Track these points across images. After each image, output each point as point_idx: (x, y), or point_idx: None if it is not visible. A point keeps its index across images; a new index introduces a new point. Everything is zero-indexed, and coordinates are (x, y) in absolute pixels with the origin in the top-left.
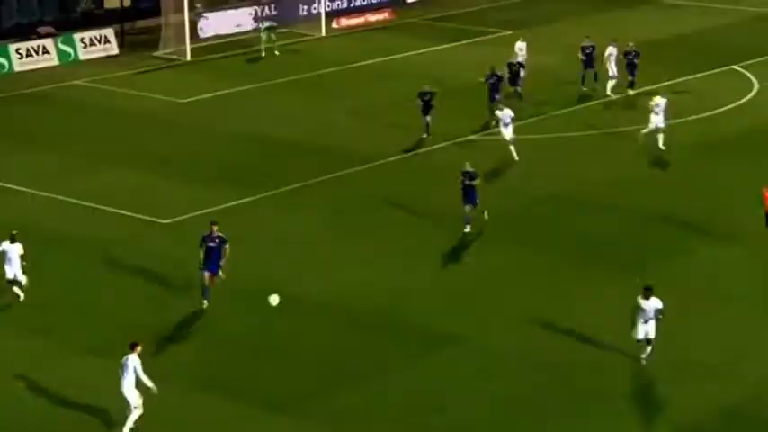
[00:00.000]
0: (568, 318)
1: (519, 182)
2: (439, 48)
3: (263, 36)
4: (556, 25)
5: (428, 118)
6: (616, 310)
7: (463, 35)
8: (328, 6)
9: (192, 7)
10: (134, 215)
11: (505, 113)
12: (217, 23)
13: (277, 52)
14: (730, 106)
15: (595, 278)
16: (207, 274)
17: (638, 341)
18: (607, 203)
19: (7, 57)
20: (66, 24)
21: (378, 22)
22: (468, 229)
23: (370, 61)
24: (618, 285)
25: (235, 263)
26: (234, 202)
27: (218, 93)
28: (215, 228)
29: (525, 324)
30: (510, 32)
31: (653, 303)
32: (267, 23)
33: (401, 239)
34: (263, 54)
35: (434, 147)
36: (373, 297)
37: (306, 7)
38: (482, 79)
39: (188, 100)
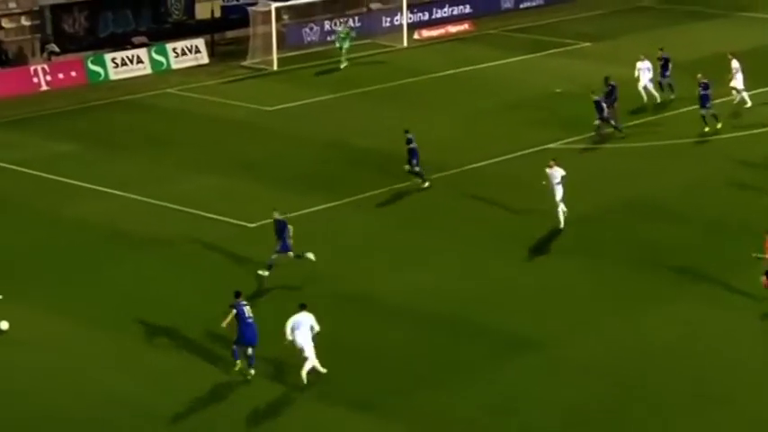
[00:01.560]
0: (639, 327)
1: (597, 188)
2: (518, 59)
3: (341, 45)
4: (633, 37)
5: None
6: (686, 322)
7: (541, 46)
8: (410, 18)
9: (279, 18)
10: (223, 218)
11: (555, 171)
12: (303, 34)
13: (345, 63)
14: None
15: (667, 288)
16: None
17: None
18: (684, 212)
19: (103, 65)
20: (158, 35)
21: (458, 33)
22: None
23: (451, 71)
24: (688, 296)
25: (315, 265)
26: (318, 207)
27: (304, 101)
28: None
29: (596, 332)
30: (588, 44)
31: None
32: (342, 29)
33: (476, 245)
34: (344, 61)
35: (512, 155)
36: (449, 301)
37: (388, 19)
38: (597, 95)
39: (274, 108)
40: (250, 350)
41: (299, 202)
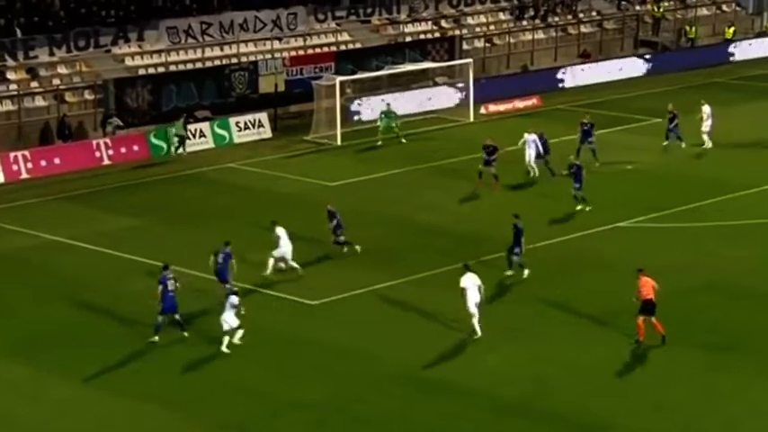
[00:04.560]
0: (717, 414)
1: (674, 268)
2: None
3: (381, 123)
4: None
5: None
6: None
7: (611, 122)
8: (477, 93)
9: (342, 92)
10: (283, 296)
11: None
12: (367, 108)
13: (403, 140)
14: None
15: (744, 374)
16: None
17: None
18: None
19: (166, 140)
20: (222, 108)
21: (526, 108)
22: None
23: (517, 147)
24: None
25: (375, 346)
26: (383, 284)
27: (367, 176)
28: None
29: (672, 419)
30: (659, 120)
31: None
32: (385, 109)
33: (542, 326)
34: (380, 143)
35: (582, 233)
36: (517, 383)
37: (454, 93)
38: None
39: (337, 183)
40: (177, 316)
41: (364, 278)
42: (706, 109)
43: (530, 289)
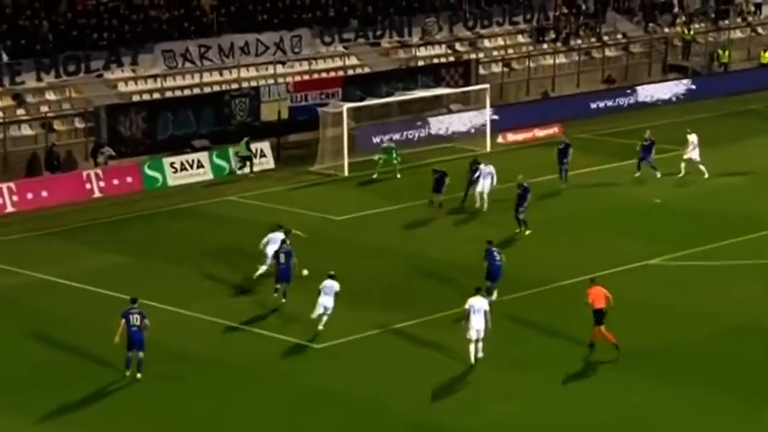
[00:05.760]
0: None
1: (705, 309)
2: (612, 165)
3: (380, 158)
4: (741, 144)
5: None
6: None
7: (632, 152)
8: (494, 120)
9: (351, 120)
10: (281, 337)
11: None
12: (375, 138)
13: (399, 175)
14: None
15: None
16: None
17: None
18: None
19: (161, 171)
20: (221, 137)
21: (546, 137)
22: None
23: (537, 179)
24: None
25: (383, 394)
26: (396, 325)
27: (376, 210)
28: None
29: None
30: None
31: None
32: (386, 144)
33: (570, 367)
34: (375, 176)
35: (607, 272)
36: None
37: (470, 121)
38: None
39: (344, 217)
40: (140, 354)
41: (372, 319)
42: (693, 138)
43: (555, 325)
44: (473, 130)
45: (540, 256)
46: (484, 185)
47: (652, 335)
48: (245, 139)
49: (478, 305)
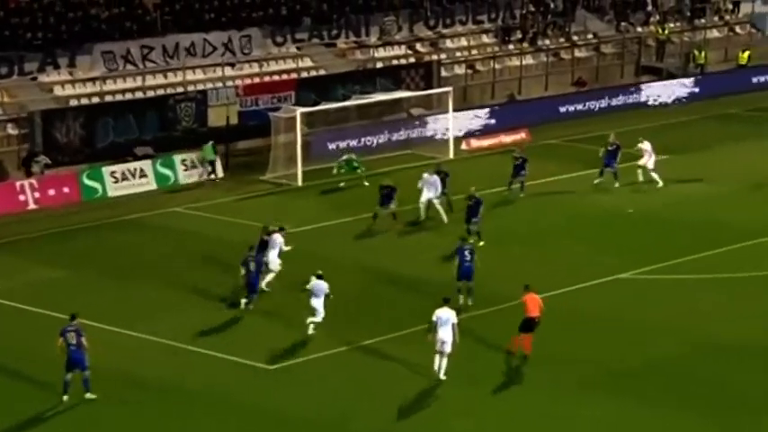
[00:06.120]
0: None
1: (680, 327)
2: (582, 173)
3: (339, 170)
4: (720, 150)
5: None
6: None
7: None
8: (457, 125)
9: (305, 126)
10: (230, 358)
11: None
12: (331, 144)
13: (366, 182)
14: None
15: None
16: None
17: None
18: None
19: (101, 180)
20: (165, 144)
21: (513, 143)
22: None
23: (503, 188)
24: None
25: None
26: (360, 343)
27: (333, 221)
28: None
29: None
30: (666, 157)
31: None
32: (346, 156)
33: (540, 387)
34: (342, 185)
35: (576, 287)
36: None
37: (432, 126)
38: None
39: (300, 229)
40: (85, 374)
41: (330, 337)
42: (645, 146)
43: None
44: (435, 136)
45: (505, 270)
46: (428, 196)
47: (623, 351)
48: (211, 142)
49: (445, 316)
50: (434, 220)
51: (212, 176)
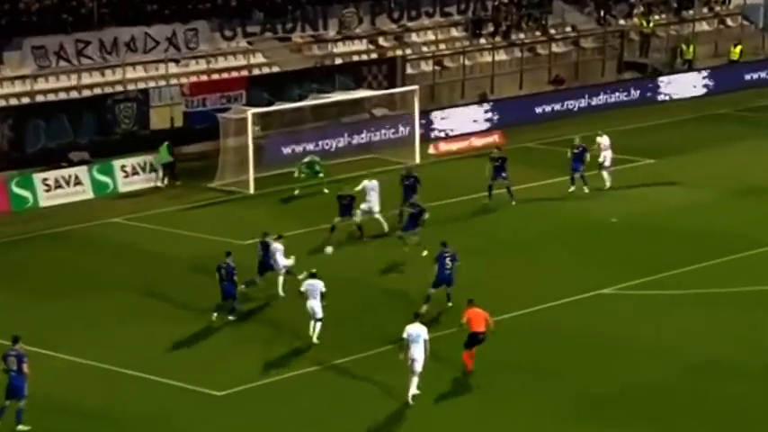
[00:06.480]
0: None
1: (669, 346)
2: (560, 179)
3: (300, 173)
4: (708, 153)
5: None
6: None
7: (592, 164)
8: (424, 129)
9: (259, 127)
10: (176, 383)
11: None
12: (286, 148)
13: (326, 189)
14: None
15: None
16: None
17: None
18: None
19: (32, 188)
20: (103, 149)
21: (485, 146)
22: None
23: (473, 195)
24: None
25: None
26: (308, 368)
27: (288, 233)
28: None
29: None
30: (651, 161)
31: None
32: (308, 158)
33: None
34: (297, 192)
35: (557, 302)
36: None
37: (396, 128)
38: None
39: (251, 242)
40: (20, 404)
41: (286, 359)
42: (603, 141)
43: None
44: (399, 139)
45: (483, 284)
46: (370, 203)
47: (603, 373)
48: (166, 143)
49: (416, 333)
50: (396, 229)
51: (167, 181)
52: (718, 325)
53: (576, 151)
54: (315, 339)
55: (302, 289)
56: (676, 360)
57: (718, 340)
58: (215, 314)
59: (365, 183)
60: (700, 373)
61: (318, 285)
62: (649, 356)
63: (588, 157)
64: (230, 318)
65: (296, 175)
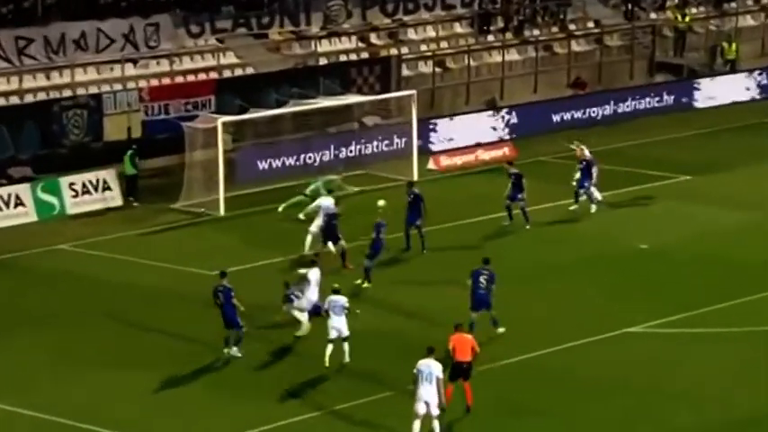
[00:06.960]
0: None
1: (700, 393)
2: (581, 199)
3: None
4: (746, 168)
5: None
6: None
7: (617, 181)
8: (423, 140)
9: (231, 138)
10: None
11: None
12: (262, 163)
13: (301, 215)
14: None
15: None
16: None
17: None
18: None
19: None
20: (48, 164)
21: (493, 160)
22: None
23: (479, 218)
24: None
25: None
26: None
27: (262, 262)
28: None
29: None
30: (687, 177)
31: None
32: (328, 177)
33: None
34: (302, 216)
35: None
36: None
37: (391, 140)
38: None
39: (217, 272)
40: None
41: (256, 410)
42: (586, 154)
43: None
44: (394, 152)
45: (487, 323)
46: (319, 225)
47: (635, 425)
48: (130, 151)
49: (428, 370)
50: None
51: (124, 200)
52: (761, 369)
53: (580, 166)
54: (347, 358)
55: (325, 306)
56: (718, 411)
57: (763, 387)
58: (226, 350)
59: (320, 201)
60: (745, 428)
61: (341, 301)
62: (685, 407)
63: (596, 170)
64: (235, 353)
65: (296, 199)
